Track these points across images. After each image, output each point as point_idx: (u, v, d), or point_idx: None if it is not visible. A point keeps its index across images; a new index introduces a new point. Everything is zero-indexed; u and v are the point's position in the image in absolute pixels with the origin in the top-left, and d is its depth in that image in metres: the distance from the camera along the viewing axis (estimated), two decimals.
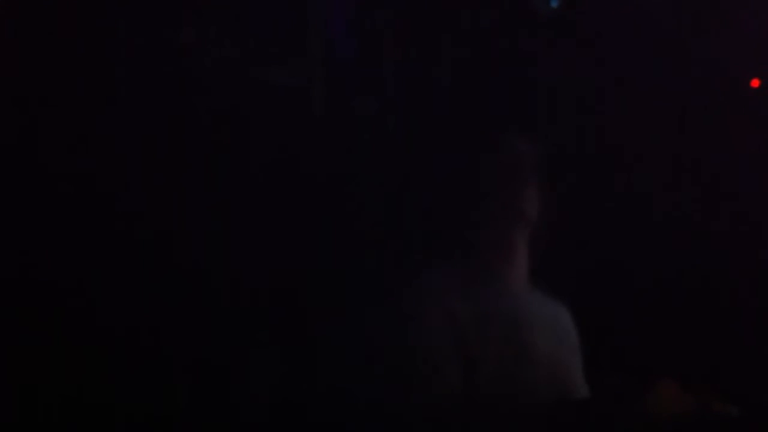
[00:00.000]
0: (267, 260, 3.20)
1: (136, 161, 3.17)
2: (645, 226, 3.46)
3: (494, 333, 2.82)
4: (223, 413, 3.11)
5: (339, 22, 3.51)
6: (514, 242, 2.95)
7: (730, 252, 3.46)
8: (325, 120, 3.40)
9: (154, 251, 3.14)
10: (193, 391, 3.11)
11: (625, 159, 3.51)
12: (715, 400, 2.73)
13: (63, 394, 2.99)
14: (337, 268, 3.20)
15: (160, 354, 3.09)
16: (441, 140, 3.13)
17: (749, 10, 3.65)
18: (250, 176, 3.27)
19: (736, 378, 2.99)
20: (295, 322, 3.18)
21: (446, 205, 2.99)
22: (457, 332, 2.80)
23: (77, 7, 3.18)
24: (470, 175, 2.96)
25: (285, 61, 3.44)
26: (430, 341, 2.79)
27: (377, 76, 3.49)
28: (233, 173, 3.26)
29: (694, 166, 3.58)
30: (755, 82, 3.72)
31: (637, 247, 3.44)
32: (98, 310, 3.04)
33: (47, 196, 3.10)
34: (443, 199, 2.99)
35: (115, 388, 3.02)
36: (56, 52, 3.15)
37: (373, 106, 3.44)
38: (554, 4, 3.65)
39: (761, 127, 3.64)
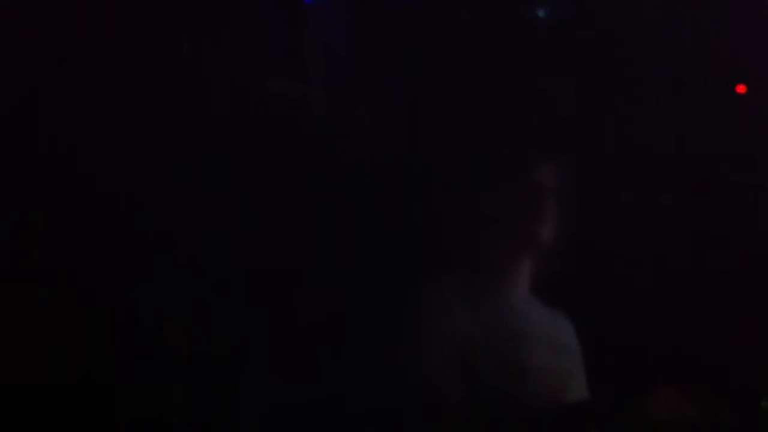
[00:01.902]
0: (274, 269, 3.20)
1: (136, 168, 3.17)
2: (642, 235, 3.48)
3: (495, 345, 2.84)
4: (220, 418, 3.11)
5: (338, 32, 3.53)
6: (517, 256, 2.97)
7: (727, 258, 3.48)
8: (330, 133, 3.41)
9: (157, 260, 3.14)
10: (189, 395, 3.11)
11: (620, 169, 3.53)
12: (716, 405, 2.76)
13: (58, 394, 2.99)
14: (342, 280, 3.21)
15: (158, 356, 3.09)
16: (447, 157, 3.14)
17: (737, 16, 3.67)
18: (251, 184, 3.27)
19: (735, 383, 3.01)
20: (298, 331, 3.19)
21: (450, 220, 3.01)
22: (458, 345, 2.81)
23: (77, 14, 3.19)
24: (473, 192, 2.98)
25: (285, 71, 3.45)
26: (432, 353, 2.81)
27: (379, 89, 3.51)
28: (233, 179, 3.26)
29: (689, 172, 3.60)
30: (741, 88, 3.73)
31: (636, 257, 3.45)
32: (97, 309, 3.05)
33: (45, 196, 3.11)
34: (447, 215, 3.01)
35: (111, 390, 3.02)
36: (56, 56, 3.16)
37: (375, 119, 3.46)
38: (542, 15, 3.67)
39: (748, 132, 3.67)
